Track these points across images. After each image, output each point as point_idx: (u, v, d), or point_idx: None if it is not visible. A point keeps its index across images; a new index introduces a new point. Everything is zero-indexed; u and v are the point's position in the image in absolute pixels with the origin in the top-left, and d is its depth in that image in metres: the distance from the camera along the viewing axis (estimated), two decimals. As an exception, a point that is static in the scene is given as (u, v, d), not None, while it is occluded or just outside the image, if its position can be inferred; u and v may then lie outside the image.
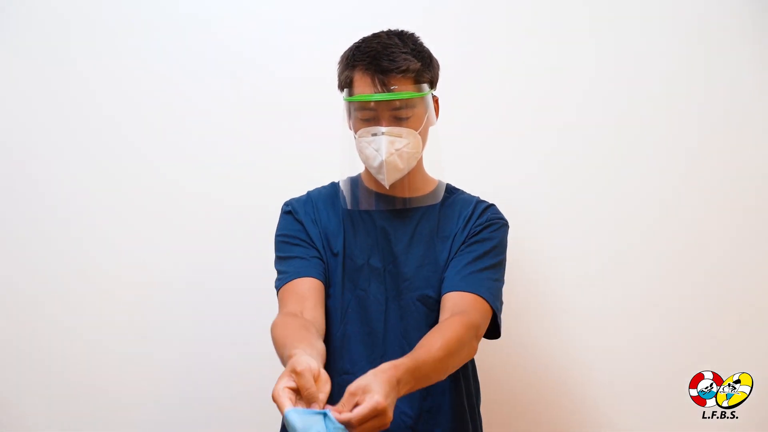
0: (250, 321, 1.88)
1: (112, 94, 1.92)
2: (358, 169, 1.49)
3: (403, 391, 1.11)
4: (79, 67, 1.92)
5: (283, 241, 1.44)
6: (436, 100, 1.43)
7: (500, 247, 1.43)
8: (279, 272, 1.42)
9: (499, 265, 1.42)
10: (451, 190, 1.51)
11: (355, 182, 1.48)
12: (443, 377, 1.25)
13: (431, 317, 1.38)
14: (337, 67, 1.43)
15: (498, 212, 1.47)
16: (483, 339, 1.43)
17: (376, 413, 1.02)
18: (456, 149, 1.79)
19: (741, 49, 1.92)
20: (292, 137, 1.91)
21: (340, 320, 1.38)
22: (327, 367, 1.35)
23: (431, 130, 1.42)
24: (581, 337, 1.92)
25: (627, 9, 1.93)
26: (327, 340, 1.37)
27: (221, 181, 1.91)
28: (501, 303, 1.41)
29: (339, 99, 1.44)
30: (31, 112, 1.92)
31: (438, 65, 1.44)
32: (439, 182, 1.49)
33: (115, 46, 1.92)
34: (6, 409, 1.90)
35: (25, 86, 1.92)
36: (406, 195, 1.44)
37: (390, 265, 1.40)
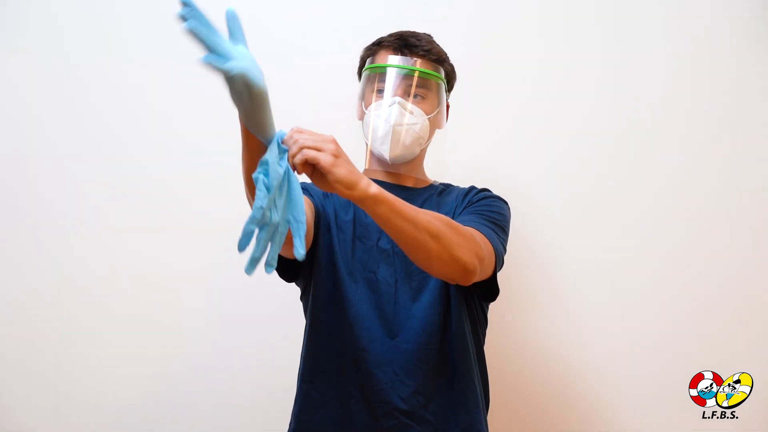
0: (255, 325, 1.89)
1: (112, 97, 1.91)
2: (360, 166, 1.50)
3: (363, 183, 1.10)
4: (79, 71, 1.91)
5: None
6: (447, 105, 1.47)
7: (499, 216, 1.42)
8: None
9: (498, 227, 1.40)
10: (447, 185, 1.53)
11: None
12: (418, 225, 1.15)
13: (443, 295, 1.38)
14: (361, 54, 1.48)
15: (491, 192, 1.49)
16: (486, 327, 1.46)
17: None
18: (462, 152, 1.79)
19: (747, 51, 1.92)
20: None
21: (351, 301, 1.38)
22: (343, 343, 1.37)
23: (438, 133, 1.43)
24: (581, 337, 1.91)
25: (635, 10, 1.94)
26: (341, 318, 1.38)
27: (223, 184, 1.90)
28: (502, 262, 1.39)
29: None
30: (29, 116, 1.91)
31: (455, 72, 1.49)
32: (435, 180, 1.52)
33: (116, 49, 1.91)
34: (5, 415, 1.90)
35: (24, 90, 1.91)
36: (405, 185, 1.47)
37: (397, 247, 1.39)
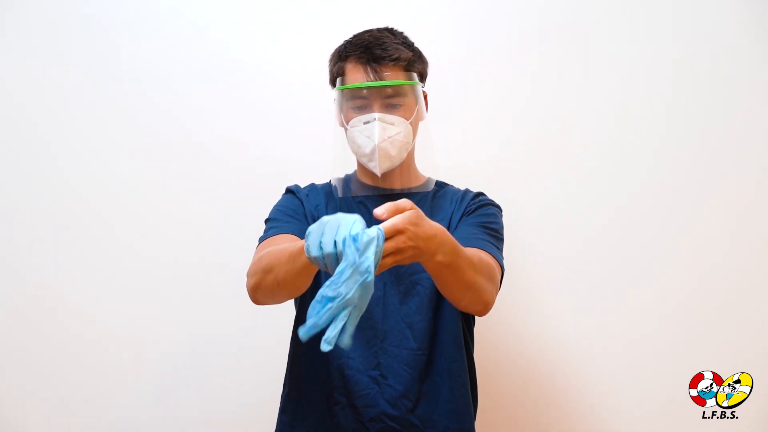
0: (247, 322, 1.88)
1: (110, 96, 1.92)
2: (351, 167, 1.51)
3: (432, 239, 1.08)
4: (77, 69, 1.92)
5: (278, 210, 1.45)
6: (425, 95, 1.46)
7: (497, 225, 1.43)
8: (264, 232, 1.42)
9: (499, 240, 1.41)
10: (440, 185, 1.52)
11: (349, 177, 1.51)
12: (461, 279, 1.18)
13: (433, 300, 1.39)
14: (328, 63, 1.46)
15: (489, 198, 1.49)
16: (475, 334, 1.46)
17: (402, 208, 1.04)
18: (452, 149, 1.80)
19: (743, 51, 1.92)
20: (291, 137, 1.91)
21: None
22: (326, 351, 1.37)
23: (421, 124, 1.44)
24: (580, 337, 1.92)
25: (627, 9, 1.94)
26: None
27: (218, 183, 1.92)
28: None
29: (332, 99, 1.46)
30: (31, 112, 1.92)
31: (427, 61, 1.47)
32: (429, 178, 1.51)
33: (113, 50, 1.92)
34: (3, 410, 1.90)
35: (25, 88, 1.92)
36: (397, 187, 1.46)
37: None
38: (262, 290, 1.27)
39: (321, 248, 1.00)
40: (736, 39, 1.92)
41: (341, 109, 1.42)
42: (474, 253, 1.24)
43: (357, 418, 1.37)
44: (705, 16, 1.93)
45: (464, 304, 1.26)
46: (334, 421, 1.38)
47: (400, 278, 1.40)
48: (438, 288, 1.25)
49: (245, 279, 1.30)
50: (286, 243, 1.32)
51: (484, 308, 1.28)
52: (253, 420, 1.83)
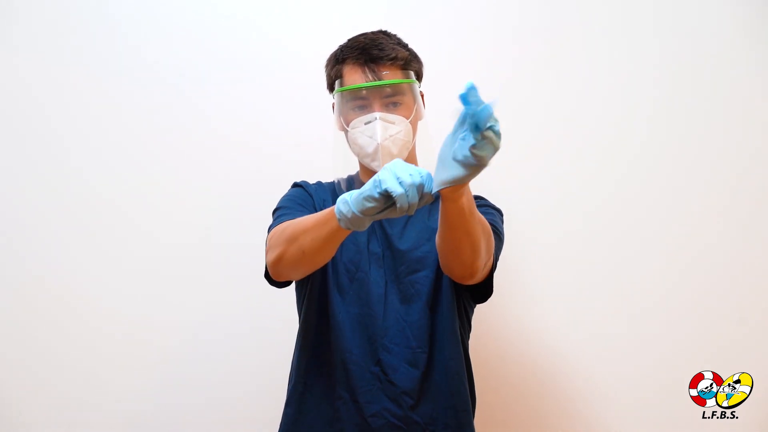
0: (255, 316, 1.90)
1: (110, 92, 1.92)
2: (351, 170, 1.51)
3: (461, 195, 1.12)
4: (79, 66, 1.92)
5: (288, 199, 1.46)
6: (422, 95, 1.47)
7: (496, 224, 1.43)
8: (274, 219, 1.42)
9: (498, 237, 1.41)
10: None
11: (351, 178, 1.52)
12: (469, 233, 1.21)
13: (431, 299, 1.40)
14: (325, 68, 1.47)
15: (489, 201, 1.50)
16: (473, 331, 1.48)
17: None
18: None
19: (742, 52, 1.93)
20: (291, 138, 1.91)
21: (342, 301, 1.41)
22: (329, 346, 1.40)
23: (420, 124, 1.45)
24: (580, 336, 1.92)
25: (624, 9, 1.94)
26: (329, 321, 1.40)
27: (221, 181, 1.93)
28: (496, 266, 1.41)
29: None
30: (35, 110, 1.92)
31: (422, 62, 1.48)
32: None
33: (114, 45, 1.93)
34: (3, 406, 1.91)
35: (29, 84, 1.92)
36: None
37: (387, 250, 1.43)
38: (285, 261, 1.28)
39: (401, 183, 1.05)
40: (720, 38, 1.93)
41: (341, 112, 1.43)
42: (482, 217, 1.25)
43: (359, 413, 1.38)
44: (687, 16, 1.94)
45: (457, 263, 1.26)
46: (337, 415, 1.39)
47: (400, 278, 1.42)
48: (439, 241, 1.26)
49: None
50: None
51: (471, 276, 1.30)
52: (260, 412, 1.82)
